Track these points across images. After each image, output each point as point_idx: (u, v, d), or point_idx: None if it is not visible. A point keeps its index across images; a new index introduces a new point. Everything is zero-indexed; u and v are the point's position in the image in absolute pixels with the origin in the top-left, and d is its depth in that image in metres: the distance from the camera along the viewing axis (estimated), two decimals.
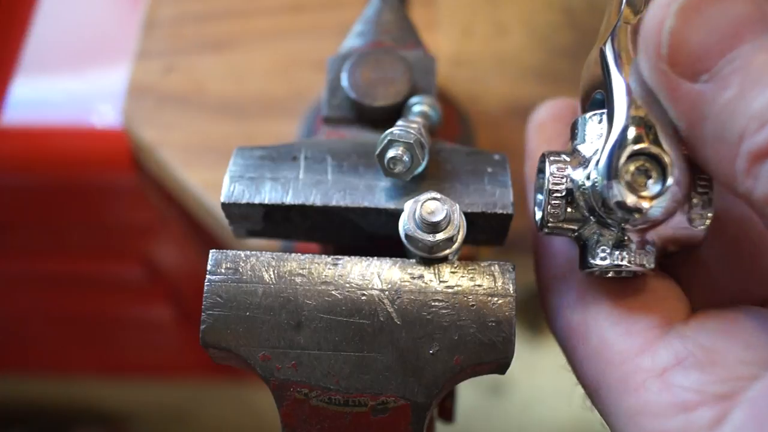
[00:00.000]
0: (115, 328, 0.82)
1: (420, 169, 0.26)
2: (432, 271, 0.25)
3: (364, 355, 0.24)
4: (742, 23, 0.20)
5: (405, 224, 0.25)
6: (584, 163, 0.24)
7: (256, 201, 0.27)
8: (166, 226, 0.61)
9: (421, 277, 0.25)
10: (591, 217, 0.24)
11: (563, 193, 0.25)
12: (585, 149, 0.25)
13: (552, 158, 0.25)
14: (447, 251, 0.25)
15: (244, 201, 0.27)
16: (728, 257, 0.25)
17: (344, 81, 0.31)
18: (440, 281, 0.25)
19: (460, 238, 0.25)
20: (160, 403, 1.01)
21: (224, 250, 0.25)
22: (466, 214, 0.26)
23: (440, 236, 0.25)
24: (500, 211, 0.27)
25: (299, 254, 0.25)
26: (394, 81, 0.31)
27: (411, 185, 0.27)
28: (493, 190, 0.27)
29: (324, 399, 0.24)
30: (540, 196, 0.25)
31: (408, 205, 0.25)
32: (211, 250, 0.25)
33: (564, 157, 0.25)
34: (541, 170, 0.26)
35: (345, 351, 0.24)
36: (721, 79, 0.20)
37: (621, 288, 0.25)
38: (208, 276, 0.25)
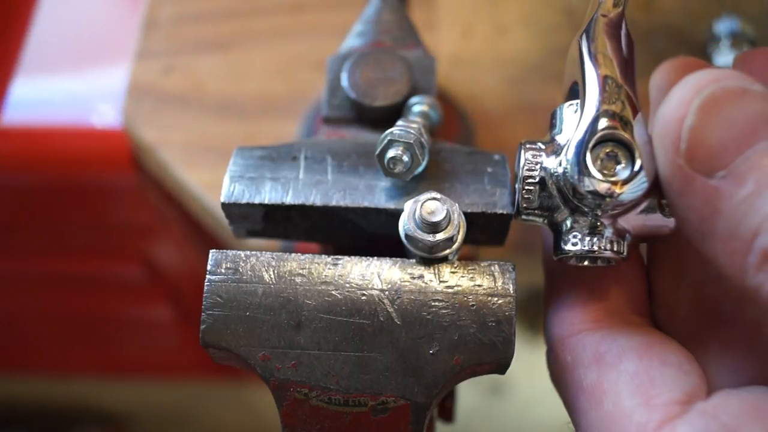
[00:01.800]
0: (115, 328, 0.82)
1: (420, 169, 0.26)
2: (432, 271, 0.25)
3: (364, 355, 0.24)
4: (759, 121, 0.20)
5: (405, 224, 0.25)
6: (557, 151, 0.25)
7: (256, 201, 0.27)
8: (166, 226, 0.61)
9: (421, 277, 0.25)
10: (564, 205, 0.25)
11: (536, 180, 0.25)
12: (560, 138, 0.25)
13: (527, 146, 0.26)
14: (447, 251, 0.25)
15: (244, 201, 0.27)
16: (748, 340, 0.25)
17: (344, 81, 0.31)
18: (440, 281, 0.25)
19: (460, 238, 0.25)
20: (160, 403, 1.01)
21: (224, 250, 0.25)
22: (466, 214, 0.26)
23: (440, 236, 0.25)
24: (500, 211, 0.27)
25: (299, 254, 0.25)
26: (394, 81, 0.31)
27: (411, 185, 0.27)
28: (493, 190, 0.27)
29: (324, 399, 0.24)
30: (517, 185, 0.26)
31: (408, 205, 0.25)
32: (211, 250, 0.25)
33: (539, 145, 0.26)
34: (518, 159, 0.26)
35: (345, 351, 0.24)
36: (737, 176, 0.20)
37: (643, 355, 0.24)
38: (208, 276, 0.25)
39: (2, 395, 0.99)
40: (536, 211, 0.25)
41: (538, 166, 0.25)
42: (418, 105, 0.30)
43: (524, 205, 0.25)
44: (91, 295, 0.73)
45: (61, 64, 0.54)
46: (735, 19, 0.45)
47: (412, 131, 0.26)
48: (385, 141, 0.26)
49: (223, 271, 0.25)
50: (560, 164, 0.24)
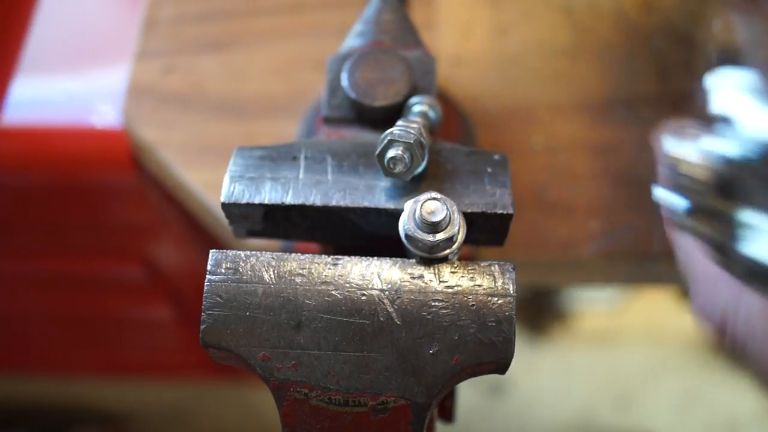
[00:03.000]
0: (115, 328, 0.82)
1: (420, 169, 0.26)
2: (432, 271, 0.25)
3: (364, 355, 0.24)
4: None
5: (405, 224, 0.25)
6: (722, 129, 0.21)
7: (256, 201, 0.27)
8: (166, 226, 0.61)
9: (421, 277, 0.25)
10: (746, 197, 0.20)
11: (708, 169, 0.21)
12: (720, 110, 0.22)
13: (681, 132, 0.22)
14: (447, 251, 0.25)
15: (244, 201, 0.27)
16: None
17: (344, 81, 0.31)
18: (440, 281, 0.25)
19: (460, 238, 0.25)
20: (160, 403, 1.01)
21: (224, 250, 0.25)
22: (466, 214, 0.26)
23: (440, 236, 0.25)
24: (500, 211, 0.27)
25: (299, 254, 0.25)
26: (394, 81, 0.31)
27: (411, 185, 0.27)
28: (493, 190, 0.27)
29: (324, 399, 0.24)
30: (667, 188, 0.23)
31: (408, 205, 0.25)
32: (211, 250, 0.25)
33: (693, 131, 0.22)
34: (674, 149, 0.23)
35: (345, 351, 0.24)
36: None
37: None
38: (208, 276, 0.25)
39: (2, 395, 0.99)
40: (708, 208, 0.21)
41: (703, 153, 0.21)
42: (418, 105, 0.30)
43: (696, 202, 0.22)
44: (91, 295, 0.73)
45: (61, 64, 0.54)
46: None
47: (412, 131, 0.26)
48: (385, 141, 0.26)
49: (223, 271, 0.25)
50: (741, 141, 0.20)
